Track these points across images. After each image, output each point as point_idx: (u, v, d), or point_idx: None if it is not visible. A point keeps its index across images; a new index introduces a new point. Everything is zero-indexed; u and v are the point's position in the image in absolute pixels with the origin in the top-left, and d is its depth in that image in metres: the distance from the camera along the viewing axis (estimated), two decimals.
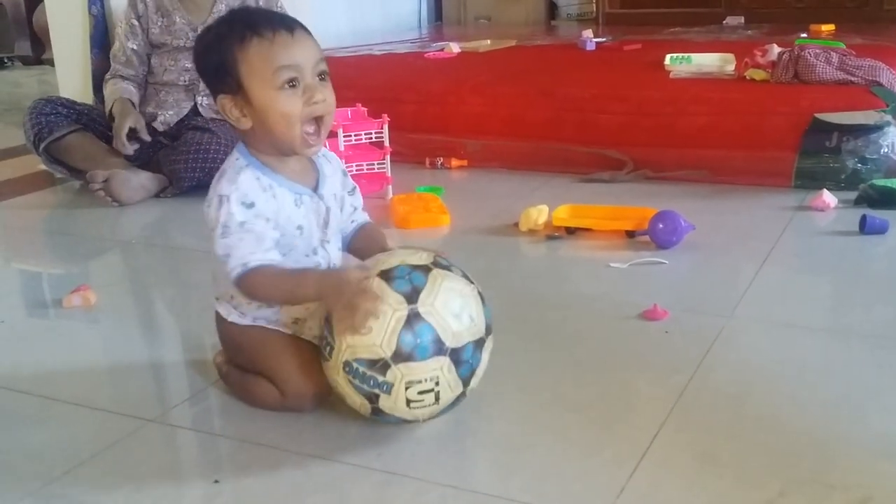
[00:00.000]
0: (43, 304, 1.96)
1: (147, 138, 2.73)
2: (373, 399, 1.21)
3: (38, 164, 3.01)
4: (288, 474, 1.21)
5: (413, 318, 1.18)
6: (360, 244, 1.45)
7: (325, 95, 1.29)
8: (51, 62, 6.00)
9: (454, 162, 2.89)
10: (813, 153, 2.47)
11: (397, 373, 1.18)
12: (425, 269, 1.23)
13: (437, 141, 2.96)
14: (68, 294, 1.85)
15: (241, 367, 1.41)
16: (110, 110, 2.80)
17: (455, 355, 1.21)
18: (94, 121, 2.84)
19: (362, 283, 1.20)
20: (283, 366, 1.32)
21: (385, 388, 1.19)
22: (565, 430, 1.29)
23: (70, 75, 3.25)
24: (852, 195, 2.35)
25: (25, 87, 5.65)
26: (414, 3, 5.37)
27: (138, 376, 1.55)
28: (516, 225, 2.23)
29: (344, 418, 1.31)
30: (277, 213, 1.30)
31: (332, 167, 1.42)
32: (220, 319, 1.42)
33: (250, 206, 1.28)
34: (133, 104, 2.80)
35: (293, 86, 1.27)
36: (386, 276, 1.21)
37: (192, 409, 1.41)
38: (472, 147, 2.92)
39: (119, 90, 2.81)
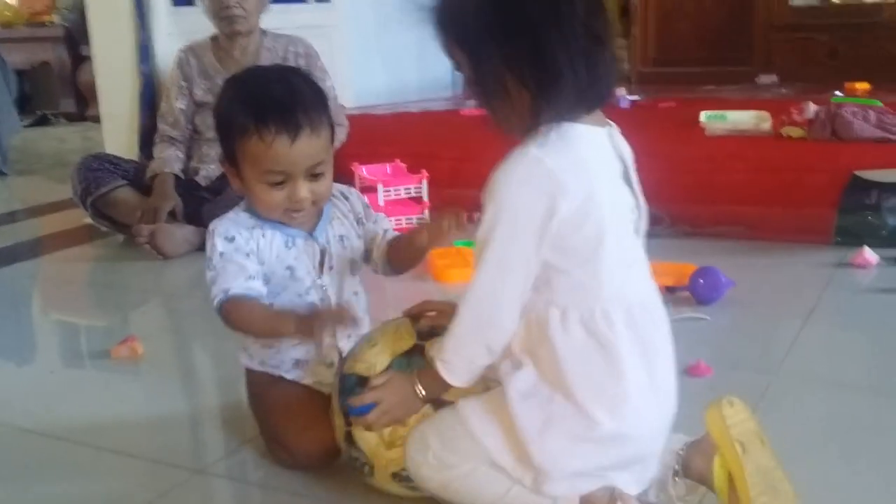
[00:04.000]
0: (91, 356, 1.99)
1: (182, 221, 2.79)
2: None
3: (82, 218, 3.08)
4: None
5: (438, 408, 1.16)
6: (397, 252, 1.41)
7: (311, 191, 1.30)
8: (94, 119, 6.16)
9: None
10: (853, 210, 2.46)
11: None
12: (417, 351, 1.19)
13: (475, 196, 2.97)
14: (116, 345, 1.89)
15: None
16: (151, 178, 2.87)
17: None
18: (140, 177, 2.91)
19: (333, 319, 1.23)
20: (287, 426, 1.34)
21: None
22: None
23: (116, 132, 3.33)
24: (893, 252, 2.34)
25: (69, 143, 5.79)
26: (448, 61, 5.46)
27: (185, 427, 1.57)
28: None
29: None
30: (262, 252, 1.33)
31: (344, 207, 1.42)
32: (244, 375, 1.45)
33: (231, 240, 1.32)
34: (178, 177, 2.87)
35: (279, 183, 1.30)
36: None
37: (239, 459, 1.42)
38: None
39: (163, 161, 2.88)
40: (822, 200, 2.50)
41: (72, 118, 6.64)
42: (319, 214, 1.39)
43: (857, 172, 2.47)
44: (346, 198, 1.44)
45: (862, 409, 1.52)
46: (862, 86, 3.76)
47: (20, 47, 6.42)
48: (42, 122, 6.72)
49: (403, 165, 2.81)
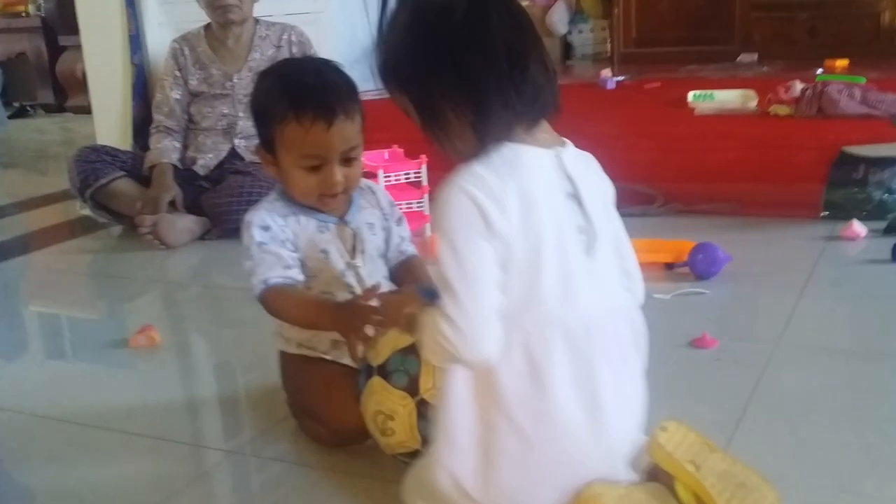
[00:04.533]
0: (109, 345, 2.01)
1: (182, 210, 2.81)
2: None
3: (75, 210, 3.09)
4: (375, 501, 1.26)
5: (422, 407, 1.21)
6: (401, 276, 1.51)
7: (344, 176, 1.38)
8: (73, 110, 6.13)
9: None
10: (840, 185, 2.53)
11: None
12: (414, 350, 1.19)
13: None
14: (134, 334, 1.92)
15: (294, 407, 1.48)
16: (150, 168, 2.88)
17: None
18: (137, 168, 2.93)
19: (368, 317, 1.24)
20: (324, 401, 1.38)
21: None
22: None
23: (108, 124, 3.33)
24: (880, 224, 2.41)
25: (49, 135, 5.76)
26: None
27: (212, 410, 1.61)
28: None
29: None
30: (298, 237, 1.40)
31: (371, 199, 1.50)
32: (279, 357, 1.49)
33: (266, 229, 1.38)
34: (176, 166, 2.88)
35: (315, 167, 1.37)
36: (383, 372, 1.24)
37: (271, 439, 1.46)
38: None
39: (161, 152, 2.89)
40: (811, 176, 2.57)
41: (50, 109, 6.59)
42: (349, 202, 1.45)
43: (845, 148, 2.54)
44: (374, 192, 1.52)
45: (863, 375, 1.59)
46: (841, 63, 3.84)
47: None
48: (20, 113, 6.67)
49: (401, 151, 2.84)
